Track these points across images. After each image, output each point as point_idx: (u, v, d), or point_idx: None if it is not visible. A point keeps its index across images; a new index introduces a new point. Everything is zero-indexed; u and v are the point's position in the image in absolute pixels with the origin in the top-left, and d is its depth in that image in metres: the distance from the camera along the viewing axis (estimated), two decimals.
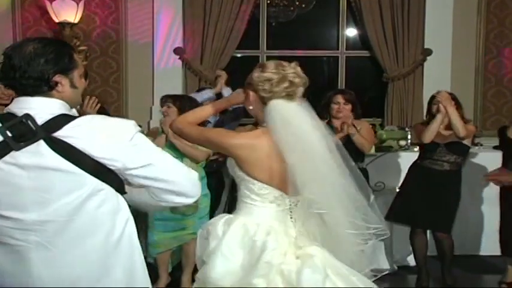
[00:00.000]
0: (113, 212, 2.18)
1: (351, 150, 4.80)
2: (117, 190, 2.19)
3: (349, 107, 4.95)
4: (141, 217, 4.69)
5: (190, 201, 2.32)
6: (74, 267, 2.14)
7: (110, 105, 6.98)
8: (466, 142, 5.04)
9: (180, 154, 4.70)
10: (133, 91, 6.99)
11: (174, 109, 4.80)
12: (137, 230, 2.25)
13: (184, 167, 2.30)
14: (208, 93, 5.83)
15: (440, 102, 4.90)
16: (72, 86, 2.20)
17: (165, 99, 4.94)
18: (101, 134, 2.10)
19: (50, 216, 2.10)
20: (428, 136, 4.95)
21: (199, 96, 5.82)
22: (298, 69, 2.95)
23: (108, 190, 2.15)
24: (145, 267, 2.30)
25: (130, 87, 7.03)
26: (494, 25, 7.05)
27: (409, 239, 5.23)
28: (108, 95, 7.03)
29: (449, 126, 4.97)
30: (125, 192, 2.24)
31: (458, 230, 5.39)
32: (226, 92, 5.90)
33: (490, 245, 5.52)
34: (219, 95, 5.80)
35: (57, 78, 2.14)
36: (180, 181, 2.23)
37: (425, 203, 4.98)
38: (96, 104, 4.26)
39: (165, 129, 4.74)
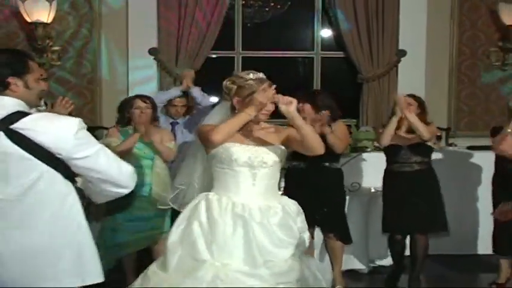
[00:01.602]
0: (61, 195, 2.60)
1: (326, 150, 4.84)
2: (66, 177, 2.61)
3: (308, 106, 4.91)
4: (109, 219, 4.68)
5: (125, 191, 2.69)
6: (24, 239, 2.54)
7: (84, 106, 6.92)
8: (429, 143, 5.09)
9: (151, 153, 4.71)
10: (107, 92, 6.91)
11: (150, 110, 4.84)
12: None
13: (120, 161, 2.67)
14: (174, 91, 5.88)
15: (397, 106, 4.95)
16: (26, 87, 2.63)
17: (146, 99, 4.92)
18: (50, 128, 2.52)
19: (7, 195, 2.54)
20: (385, 139, 4.98)
21: (165, 94, 5.81)
22: None
23: (56, 175, 2.58)
24: (97, 256, 2.68)
25: (104, 88, 6.97)
26: (466, 27, 7.13)
27: (386, 239, 5.27)
28: (82, 96, 6.95)
29: (410, 129, 5.02)
30: (74, 179, 2.66)
31: (454, 230, 5.46)
32: (196, 91, 5.89)
33: (486, 244, 5.53)
34: (184, 93, 5.88)
35: (10, 79, 2.59)
36: (115, 172, 2.62)
37: (410, 206, 4.97)
38: (70, 105, 4.20)
39: (139, 128, 4.71)
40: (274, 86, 3.27)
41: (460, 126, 7.14)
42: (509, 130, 4.24)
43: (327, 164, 4.91)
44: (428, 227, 5.08)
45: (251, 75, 3.37)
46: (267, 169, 3.29)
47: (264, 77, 3.39)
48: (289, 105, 3.22)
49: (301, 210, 3.39)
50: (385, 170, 5.18)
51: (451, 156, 6.31)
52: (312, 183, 4.76)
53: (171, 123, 5.69)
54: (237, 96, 3.36)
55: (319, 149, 3.36)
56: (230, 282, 3.02)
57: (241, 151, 3.27)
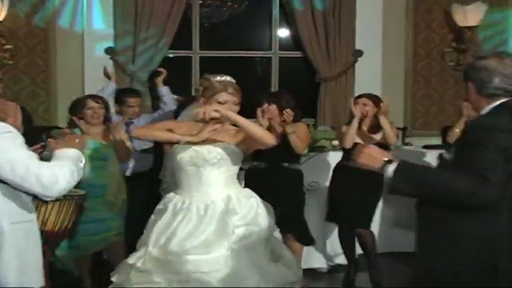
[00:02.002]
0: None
1: (286, 151, 4.88)
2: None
3: (273, 107, 4.94)
4: None
5: (47, 198, 2.66)
6: None
7: (39, 105, 6.80)
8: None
9: (106, 154, 4.67)
10: (62, 92, 6.78)
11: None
12: None
13: (36, 170, 2.55)
14: (110, 87, 5.90)
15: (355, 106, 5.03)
16: None
17: (98, 99, 4.87)
18: None
19: None
20: (348, 142, 5.03)
21: (103, 92, 5.74)
22: None
23: None
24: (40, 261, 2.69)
25: (59, 87, 6.85)
26: (422, 28, 7.24)
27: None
28: (37, 95, 6.83)
29: (372, 129, 5.07)
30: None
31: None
32: (165, 90, 5.86)
33: None
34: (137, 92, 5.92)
35: None
36: (30, 184, 2.54)
37: (346, 200, 5.08)
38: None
39: (88, 131, 4.69)
40: (214, 108, 3.40)
41: (415, 126, 7.25)
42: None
43: (286, 164, 4.95)
44: (352, 223, 5.17)
45: (217, 78, 3.52)
46: (210, 167, 3.47)
47: (231, 80, 3.54)
48: (215, 113, 3.39)
49: (259, 207, 3.53)
50: (337, 164, 5.25)
51: (407, 156, 6.37)
52: (271, 184, 4.76)
53: (126, 124, 5.58)
54: (203, 96, 3.54)
55: (267, 138, 3.44)
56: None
57: (184, 152, 3.50)
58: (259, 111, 4.93)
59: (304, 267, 5.28)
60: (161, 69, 6.21)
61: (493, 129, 2.44)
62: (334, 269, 5.72)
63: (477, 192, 2.41)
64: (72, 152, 2.74)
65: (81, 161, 2.76)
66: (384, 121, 4.95)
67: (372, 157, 2.67)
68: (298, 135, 4.90)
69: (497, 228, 2.50)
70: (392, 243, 5.86)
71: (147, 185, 5.60)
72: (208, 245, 3.33)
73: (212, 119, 3.45)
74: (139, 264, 3.39)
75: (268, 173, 4.89)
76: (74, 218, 3.89)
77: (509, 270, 2.49)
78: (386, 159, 2.64)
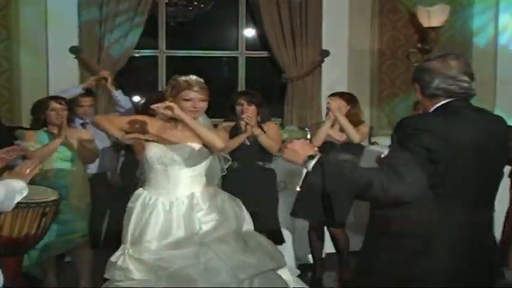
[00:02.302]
0: None
1: (259, 150, 4.91)
2: None
3: (253, 107, 4.98)
4: None
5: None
6: None
7: (2, 105, 6.69)
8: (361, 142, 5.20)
9: (70, 155, 4.63)
10: (26, 92, 6.68)
11: None
12: None
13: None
14: (74, 89, 5.77)
15: (330, 109, 5.05)
16: None
17: (61, 100, 4.80)
18: None
19: None
20: (317, 141, 5.05)
21: (64, 93, 5.66)
22: None
23: None
24: None
25: (23, 87, 6.75)
26: (387, 28, 7.30)
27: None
28: (0, 95, 6.71)
29: (342, 129, 5.11)
30: None
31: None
32: (118, 94, 5.82)
33: None
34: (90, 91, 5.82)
35: None
36: None
37: (319, 199, 5.08)
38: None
39: (61, 134, 4.61)
40: (167, 104, 3.50)
41: (381, 125, 7.30)
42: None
43: (260, 163, 4.99)
44: (325, 222, 5.19)
45: (183, 77, 3.63)
46: (178, 166, 3.60)
47: (198, 79, 3.65)
48: (167, 110, 3.48)
49: (225, 201, 3.71)
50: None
51: (373, 155, 6.42)
52: (245, 183, 4.78)
53: (82, 124, 5.49)
54: (170, 96, 3.62)
55: (216, 142, 3.57)
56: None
57: (153, 150, 3.63)
58: (238, 109, 4.96)
59: None
60: (104, 73, 6.10)
61: (419, 130, 2.46)
62: (301, 268, 5.74)
63: (390, 189, 2.41)
64: (16, 183, 2.73)
65: (21, 193, 2.77)
66: (340, 118, 4.99)
67: (294, 152, 2.65)
68: (269, 135, 4.94)
69: (430, 227, 2.51)
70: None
71: (108, 185, 5.57)
72: (179, 242, 3.47)
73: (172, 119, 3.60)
74: (119, 262, 3.52)
75: (242, 172, 4.90)
76: (37, 224, 3.85)
77: (445, 270, 2.51)
78: (309, 154, 2.61)
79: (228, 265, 3.42)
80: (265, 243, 3.74)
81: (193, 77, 3.65)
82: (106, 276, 3.59)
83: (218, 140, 3.56)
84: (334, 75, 7.13)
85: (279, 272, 3.67)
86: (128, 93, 6.10)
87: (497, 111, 5.01)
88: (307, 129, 6.57)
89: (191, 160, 3.62)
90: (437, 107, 2.61)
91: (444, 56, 2.63)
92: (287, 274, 3.75)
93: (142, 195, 3.66)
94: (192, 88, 3.57)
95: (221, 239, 3.52)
